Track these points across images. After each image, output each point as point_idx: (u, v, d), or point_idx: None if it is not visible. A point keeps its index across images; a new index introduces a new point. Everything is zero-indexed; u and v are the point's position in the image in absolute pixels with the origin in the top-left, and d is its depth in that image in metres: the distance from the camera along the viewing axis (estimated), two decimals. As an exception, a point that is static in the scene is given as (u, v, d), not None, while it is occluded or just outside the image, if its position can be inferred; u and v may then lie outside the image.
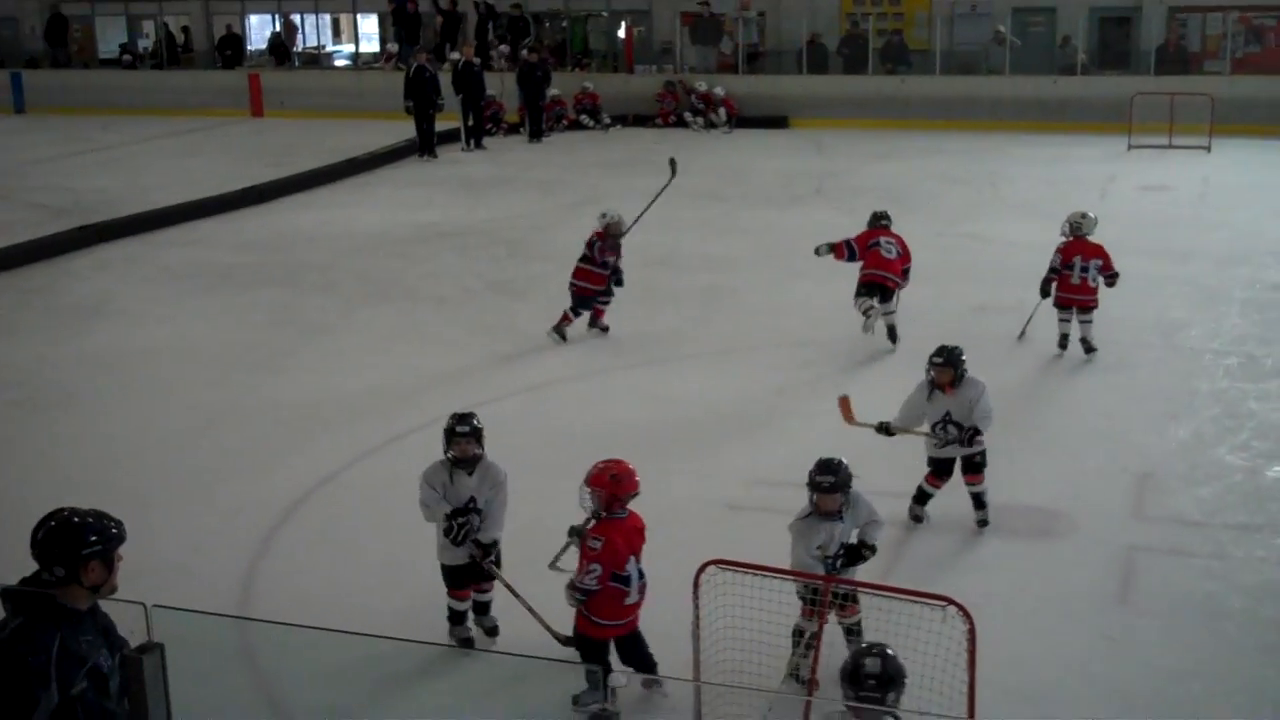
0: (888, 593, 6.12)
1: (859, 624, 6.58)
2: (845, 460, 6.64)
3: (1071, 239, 11.74)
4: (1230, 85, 23.70)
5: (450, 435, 6.87)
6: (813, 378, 11.17)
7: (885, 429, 8.41)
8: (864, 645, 5.05)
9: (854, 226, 16.82)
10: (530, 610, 6.71)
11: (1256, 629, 7.18)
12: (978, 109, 25.19)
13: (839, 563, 6.62)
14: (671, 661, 6.34)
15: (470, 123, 24.14)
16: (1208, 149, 21.63)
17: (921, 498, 8.43)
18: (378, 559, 8.07)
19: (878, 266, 11.92)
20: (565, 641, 6.53)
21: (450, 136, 24.21)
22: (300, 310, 13.80)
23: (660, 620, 6.91)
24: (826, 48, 27.14)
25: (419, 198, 19.90)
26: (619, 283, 12.31)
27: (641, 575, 6.42)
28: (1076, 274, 11.60)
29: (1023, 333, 12.14)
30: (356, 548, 8.27)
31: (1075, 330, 11.68)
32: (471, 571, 6.96)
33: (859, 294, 11.92)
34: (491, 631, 7.17)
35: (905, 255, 12.13)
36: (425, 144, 23.15)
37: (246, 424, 10.51)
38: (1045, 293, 11.75)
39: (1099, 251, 11.64)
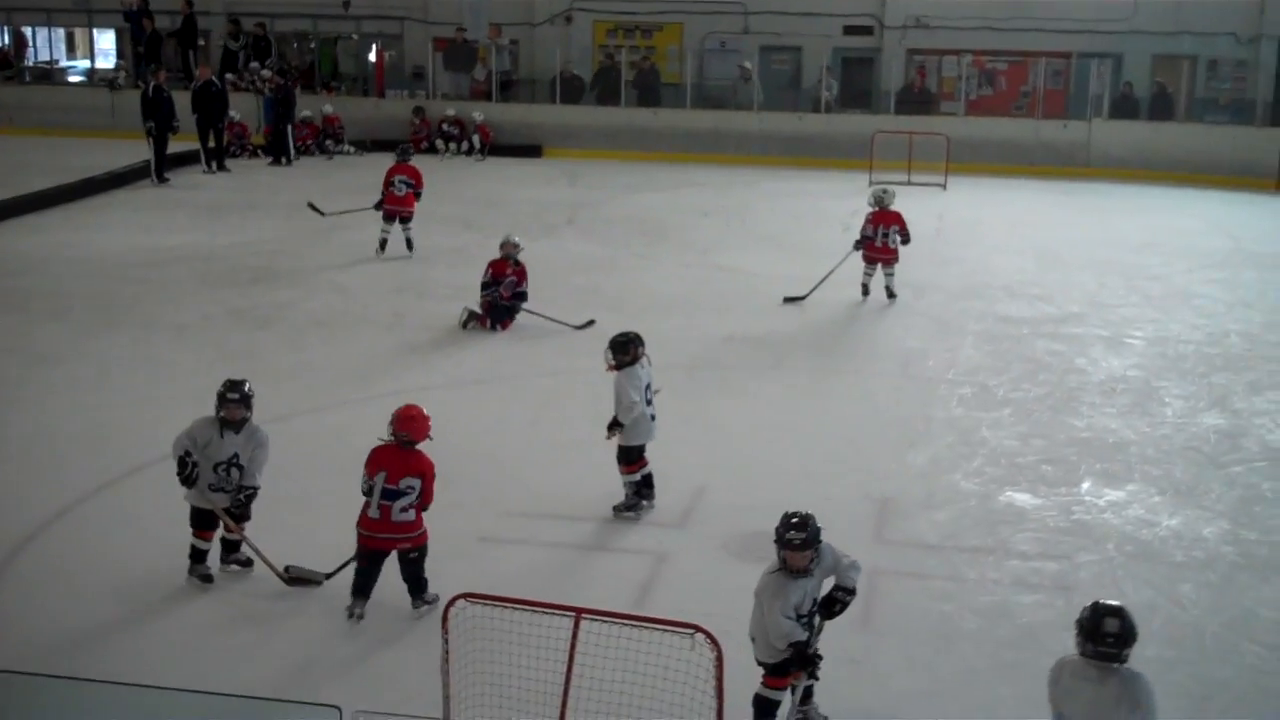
0: (636, 622, 6.11)
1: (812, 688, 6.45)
2: (810, 513, 6.28)
3: (876, 209, 14.87)
4: (965, 125, 24.81)
5: (222, 399, 7.80)
6: (565, 408, 11.16)
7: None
8: (1104, 602, 5.45)
9: (606, 257, 17.09)
10: (257, 552, 7.96)
11: (990, 648, 7.45)
12: (726, 143, 25.73)
13: (816, 620, 6.34)
14: (421, 698, 6.21)
15: (211, 144, 23.42)
16: (944, 186, 22.54)
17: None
18: (115, 598, 7.71)
19: (393, 203, 16.57)
20: (287, 579, 7.91)
21: (190, 158, 23.44)
22: (28, 338, 13.10)
23: (408, 655, 6.79)
24: (582, 78, 27.33)
25: (159, 221, 19.19)
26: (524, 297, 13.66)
27: (385, 495, 7.51)
28: (879, 238, 14.76)
29: (824, 279, 14.70)
30: (92, 586, 7.87)
31: (879, 280, 14.80)
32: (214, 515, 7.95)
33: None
34: (246, 564, 8.09)
35: (417, 181, 16.61)
36: (157, 167, 22.23)
37: (-33, 458, 9.92)
38: (857, 247, 14.83)
39: (897, 219, 14.80)
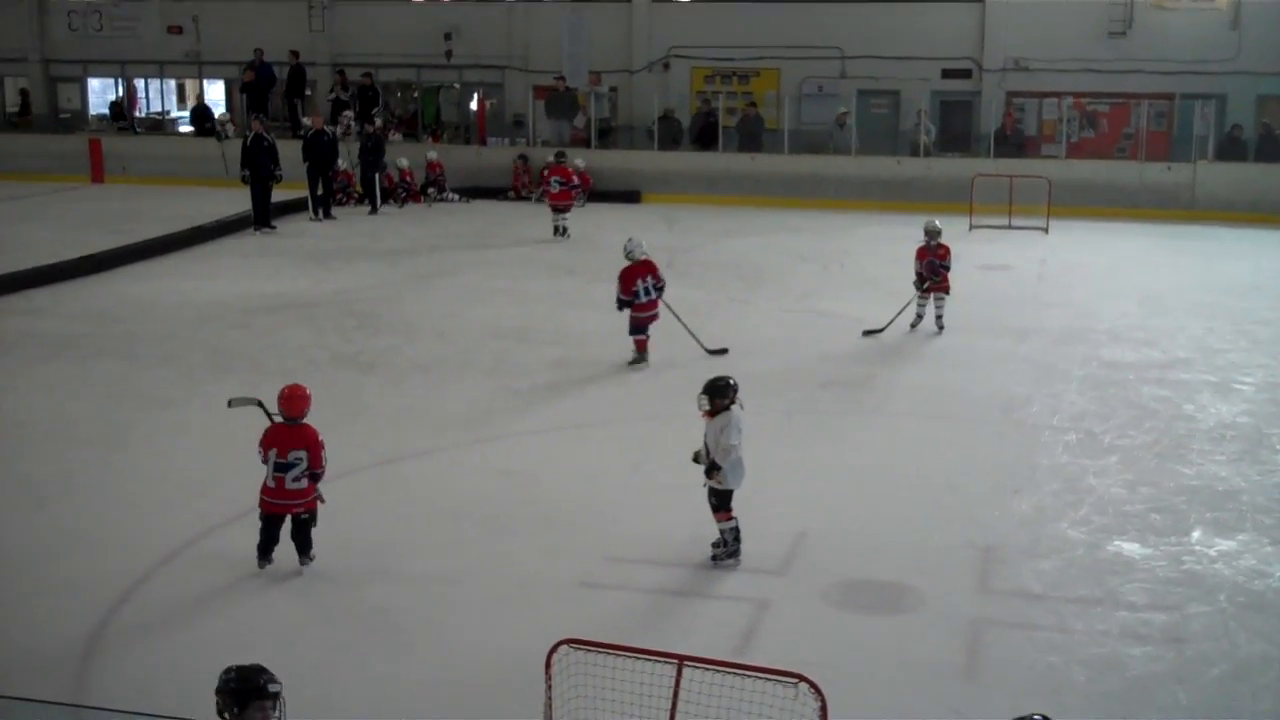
0: (740, 670, 6.10)
1: None
2: None
3: (940, 243, 15.18)
4: (1066, 169, 24.53)
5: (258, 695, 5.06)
6: (665, 452, 11.16)
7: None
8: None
9: (705, 301, 17.11)
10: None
11: (1099, 701, 7.31)
12: (825, 187, 25.68)
13: None
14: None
15: (319, 192, 23.84)
16: (1045, 230, 22.31)
17: None
18: (222, 642, 7.82)
19: (551, 198, 21.75)
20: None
21: (297, 206, 23.89)
22: (139, 383, 13.41)
23: (511, 700, 6.81)
24: (680, 122, 27.49)
25: (265, 268, 19.57)
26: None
27: (278, 468, 8.52)
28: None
29: (887, 325, 15.07)
30: (199, 630, 8.00)
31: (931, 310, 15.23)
32: None
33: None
34: None
35: (567, 179, 21.67)
36: (260, 216, 22.61)
37: (83, 500, 10.15)
38: (936, 279, 15.09)
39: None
